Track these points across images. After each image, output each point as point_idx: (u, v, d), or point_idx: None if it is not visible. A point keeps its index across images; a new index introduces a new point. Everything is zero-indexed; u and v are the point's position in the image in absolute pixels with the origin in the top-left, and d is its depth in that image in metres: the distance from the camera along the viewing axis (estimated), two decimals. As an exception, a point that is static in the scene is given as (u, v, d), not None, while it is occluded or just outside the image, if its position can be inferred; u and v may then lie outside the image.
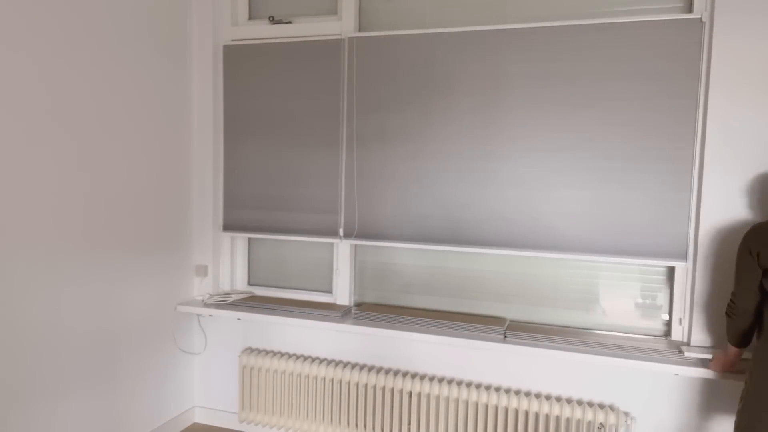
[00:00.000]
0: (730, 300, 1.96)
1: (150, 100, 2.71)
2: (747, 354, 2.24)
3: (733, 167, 2.24)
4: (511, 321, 2.70)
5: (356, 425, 2.74)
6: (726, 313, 1.98)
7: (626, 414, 2.44)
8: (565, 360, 2.51)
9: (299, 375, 2.83)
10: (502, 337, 2.49)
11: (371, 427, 2.70)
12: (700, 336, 2.32)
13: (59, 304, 2.28)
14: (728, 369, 2.10)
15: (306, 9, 2.96)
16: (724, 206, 2.26)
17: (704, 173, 2.27)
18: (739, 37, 2.20)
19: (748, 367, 1.83)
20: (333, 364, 2.79)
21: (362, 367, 2.78)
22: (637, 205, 2.38)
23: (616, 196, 2.40)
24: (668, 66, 2.31)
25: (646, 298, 2.51)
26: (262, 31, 2.98)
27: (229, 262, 3.15)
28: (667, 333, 2.48)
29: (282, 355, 2.93)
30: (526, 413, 2.46)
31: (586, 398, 2.50)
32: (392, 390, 2.66)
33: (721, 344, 2.29)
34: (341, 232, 2.85)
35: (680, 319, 2.42)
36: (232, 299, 2.96)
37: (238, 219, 3.05)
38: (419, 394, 2.63)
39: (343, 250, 2.94)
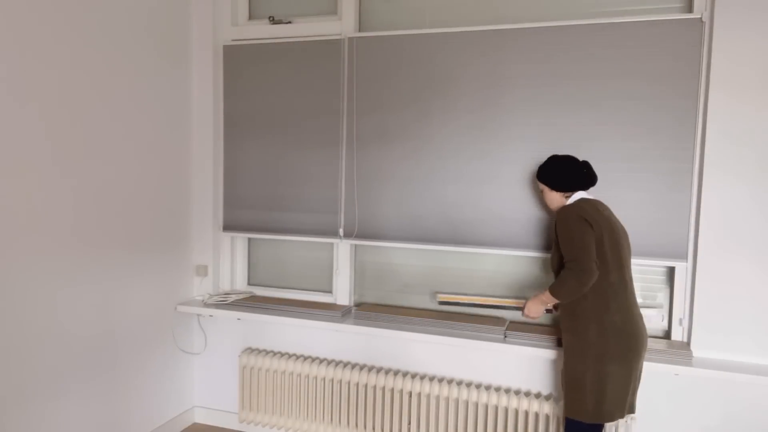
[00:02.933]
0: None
1: (150, 100, 2.71)
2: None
3: (734, 167, 2.24)
4: (511, 321, 2.70)
5: (356, 425, 2.74)
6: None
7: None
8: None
9: (299, 375, 2.83)
10: (502, 337, 2.49)
11: (371, 427, 2.70)
12: (700, 336, 2.32)
13: (59, 305, 2.28)
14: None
15: (306, 9, 2.96)
16: (724, 206, 2.26)
17: (704, 173, 2.27)
18: (739, 37, 2.20)
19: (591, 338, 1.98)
20: (333, 364, 2.79)
21: (362, 367, 2.78)
22: (638, 205, 2.38)
23: (617, 195, 2.40)
24: (668, 66, 2.31)
25: (646, 298, 2.51)
26: (262, 31, 2.98)
27: (229, 262, 3.15)
28: (667, 333, 2.48)
29: (282, 355, 2.93)
30: (526, 413, 2.46)
31: (586, 398, 2.50)
32: (392, 390, 2.66)
33: (723, 345, 2.29)
34: (341, 232, 2.85)
35: (680, 320, 2.42)
36: (232, 299, 2.96)
37: (238, 219, 3.05)
38: (419, 394, 2.63)
39: (343, 250, 2.93)
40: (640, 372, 2.07)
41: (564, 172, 2.14)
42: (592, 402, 1.98)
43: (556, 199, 2.20)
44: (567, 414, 2.05)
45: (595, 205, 2.07)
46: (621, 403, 1.99)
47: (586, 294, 2.01)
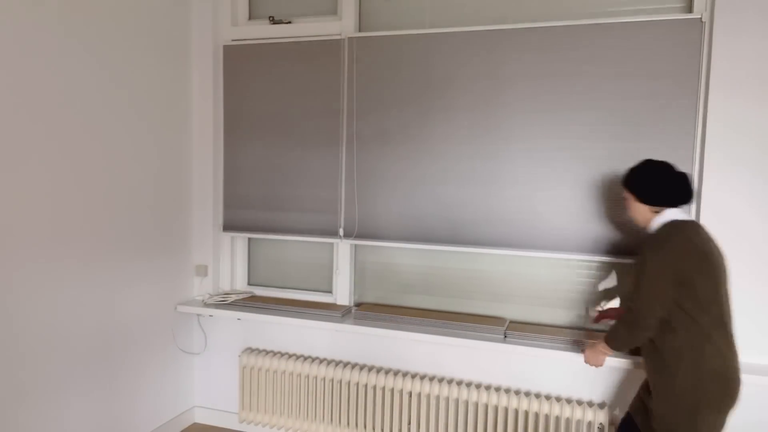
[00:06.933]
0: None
1: (150, 100, 2.71)
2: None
3: (734, 167, 2.24)
4: (511, 321, 2.70)
5: (356, 425, 2.74)
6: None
7: (626, 414, 2.44)
8: (565, 360, 2.51)
9: (299, 375, 2.83)
10: (502, 337, 2.49)
11: (371, 427, 2.70)
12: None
13: (59, 305, 2.28)
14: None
15: (306, 9, 2.96)
16: (724, 206, 2.26)
17: (704, 173, 2.27)
18: (739, 37, 2.20)
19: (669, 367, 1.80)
20: (333, 364, 2.79)
21: (362, 367, 2.78)
22: (637, 205, 2.38)
23: (616, 195, 2.40)
24: (668, 66, 2.31)
25: (646, 298, 2.50)
26: (262, 31, 2.98)
27: (229, 262, 3.15)
28: (667, 333, 2.48)
29: (282, 355, 2.93)
30: (526, 413, 2.46)
31: (585, 398, 2.50)
32: (392, 390, 2.66)
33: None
34: (341, 232, 2.85)
35: (680, 319, 2.42)
36: (232, 299, 2.96)
37: (238, 219, 3.05)
38: (419, 394, 2.63)
39: (343, 250, 2.93)
40: None
41: (655, 183, 1.87)
42: None
43: (641, 212, 1.93)
44: None
45: (687, 235, 1.77)
46: None
47: (676, 330, 1.79)
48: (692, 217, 2.01)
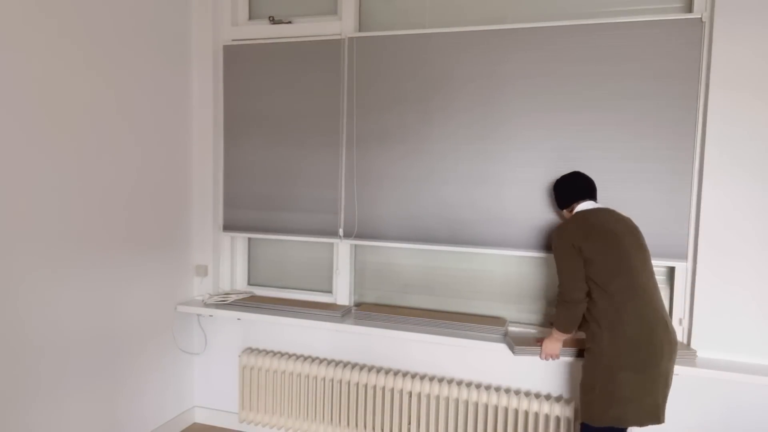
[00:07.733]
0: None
1: (150, 100, 2.71)
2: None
3: (733, 167, 2.24)
4: (511, 321, 2.70)
5: (356, 425, 2.74)
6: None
7: (626, 414, 2.44)
8: (566, 360, 2.51)
9: (299, 375, 2.83)
10: (502, 337, 2.49)
11: (371, 427, 2.70)
12: (700, 336, 2.32)
13: (59, 304, 2.28)
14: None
15: (306, 9, 2.96)
16: (724, 206, 2.26)
17: (704, 173, 2.27)
18: (739, 37, 2.20)
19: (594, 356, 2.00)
20: (333, 364, 2.79)
21: (362, 367, 2.78)
22: (637, 205, 2.38)
23: (616, 196, 2.40)
24: (668, 66, 2.31)
25: (646, 298, 2.50)
26: (262, 31, 2.98)
27: (228, 262, 3.15)
28: (667, 333, 2.48)
29: (282, 355, 2.93)
30: (526, 413, 2.46)
31: (586, 398, 2.50)
32: (392, 390, 2.66)
33: (723, 345, 2.29)
34: (341, 232, 2.85)
35: (680, 320, 2.42)
36: (232, 299, 2.96)
37: (238, 219, 3.05)
38: (419, 394, 2.63)
39: (343, 250, 2.93)
40: (667, 378, 1.96)
41: (558, 190, 2.24)
42: (600, 406, 1.96)
43: (565, 216, 2.28)
44: (581, 417, 2.05)
45: (588, 218, 2.05)
46: (635, 408, 1.92)
47: (595, 301, 2.00)
48: (605, 206, 2.17)
